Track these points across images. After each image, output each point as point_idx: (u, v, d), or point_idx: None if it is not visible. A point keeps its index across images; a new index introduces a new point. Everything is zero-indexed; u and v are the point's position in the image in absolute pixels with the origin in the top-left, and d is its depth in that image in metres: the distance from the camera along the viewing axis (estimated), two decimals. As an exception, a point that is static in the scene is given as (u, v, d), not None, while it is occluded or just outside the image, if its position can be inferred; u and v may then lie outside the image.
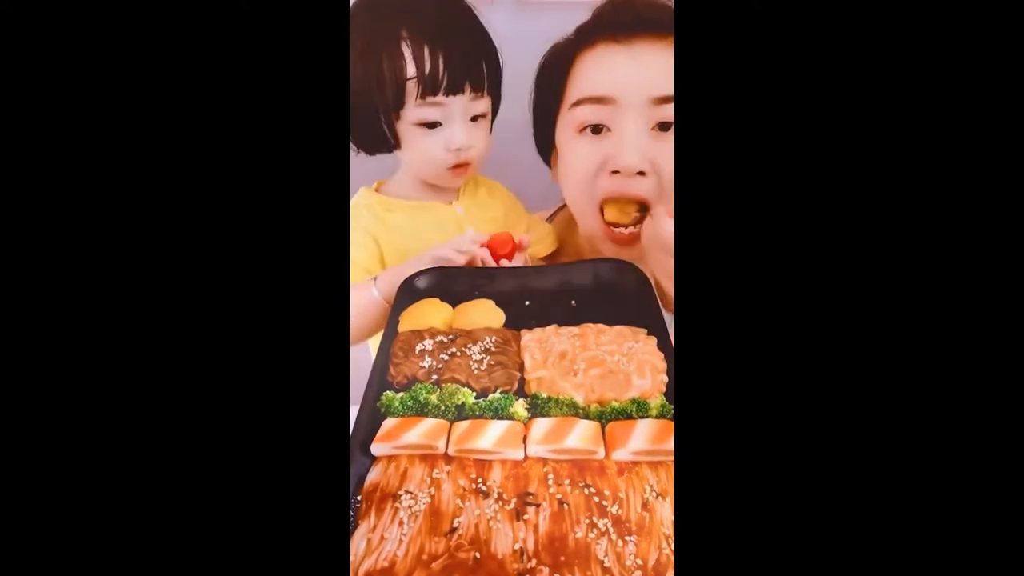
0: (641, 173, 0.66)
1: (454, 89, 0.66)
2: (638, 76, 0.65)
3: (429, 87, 0.65)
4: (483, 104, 0.70)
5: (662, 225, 0.60)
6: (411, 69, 0.65)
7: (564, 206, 0.91)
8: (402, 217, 0.77)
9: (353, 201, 0.79)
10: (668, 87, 0.64)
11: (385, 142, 0.72)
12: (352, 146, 0.73)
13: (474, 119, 0.70)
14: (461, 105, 0.68)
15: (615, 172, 0.67)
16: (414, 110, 0.67)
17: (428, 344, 0.55)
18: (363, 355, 0.81)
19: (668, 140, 0.65)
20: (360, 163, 0.73)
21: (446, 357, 0.53)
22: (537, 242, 0.85)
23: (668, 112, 0.64)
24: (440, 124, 0.69)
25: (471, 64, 0.66)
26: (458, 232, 0.78)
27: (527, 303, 0.63)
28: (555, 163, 0.80)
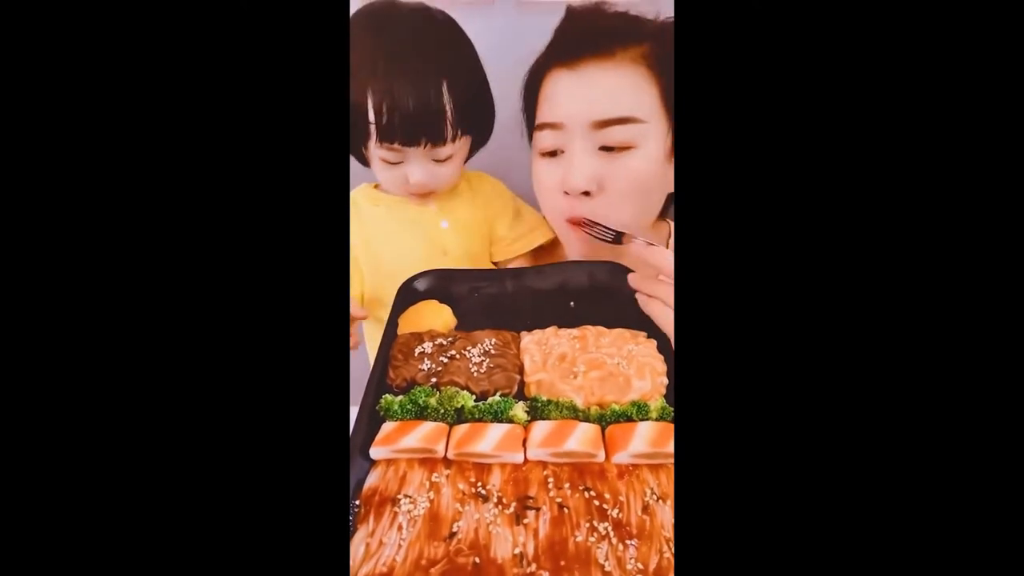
0: (586, 193, 0.68)
1: (409, 142, 0.67)
2: (582, 101, 0.67)
3: (385, 135, 0.67)
4: (450, 149, 0.70)
5: (649, 309, 0.60)
6: (371, 114, 0.66)
7: None
8: (381, 212, 0.79)
9: (352, 195, 0.82)
10: (613, 110, 0.66)
11: (362, 159, 0.75)
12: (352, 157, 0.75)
13: (439, 161, 0.72)
14: (419, 152, 0.69)
15: (566, 193, 0.70)
16: (376, 149, 0.70)
17: (427, 347, 0.55)
18: (362, 358, 0.81)
19: (613, 161, 0.68)
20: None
21: (445, 360, 0.53)
22: (528, 232, 0.85)
23: (612, 135, 0.67)
24: (401, 162, 0.71)
25: (428, 120, 0.66)
26: (435, 229, 0.80)
27: (526, 305, 0.63)
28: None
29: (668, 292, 0.56)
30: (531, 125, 0.75)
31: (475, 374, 0.51)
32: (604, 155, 0.67)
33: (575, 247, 0.76)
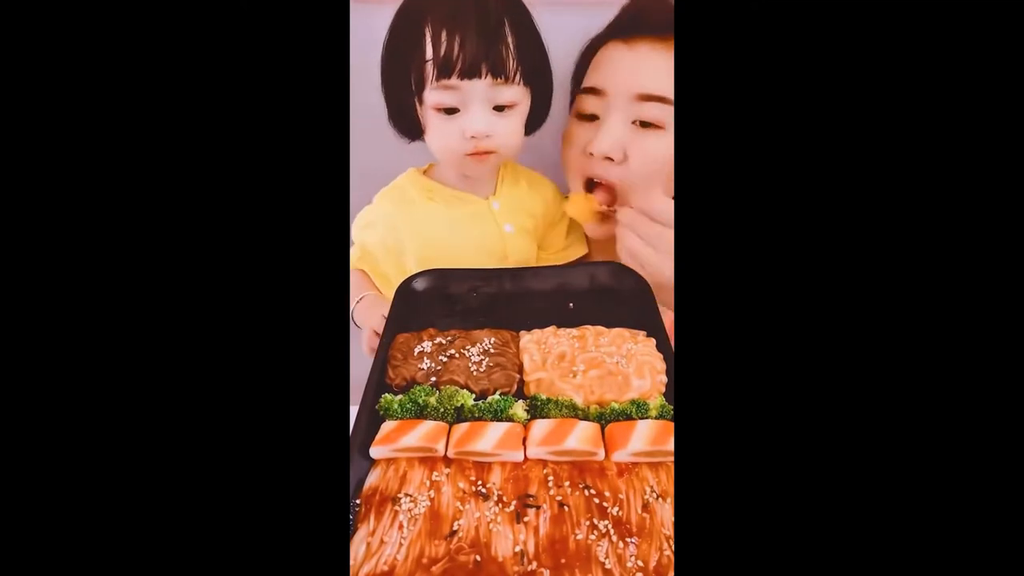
0: (609, 159, 0.71)
1: (469, 73, 0.63)
2: (630, 73, 0.70)
3: (443, 69, 0.63)
4: (510, 93, 0.66)
5: (625, 242, 0.65)
6: (428, 51, 0.63)
7: None
8: (440, 207, 0.76)
9: (398, 181, 0.80)
10: (655, 87, 0.68)
11: (415, 128, 0.71)
12: (395, 131, 0.73)
13: (499, 108, 0.68)
14: (480, 91, 0.65)
15: (589, 153, 0.73)
16: (431, 93, 0.65)
17: (427, 346, 0.55)
18: (362, 357, 0.80)
19: (645, 136, 0.71)
20: (410, 148, 0.74)
21: (444, 359, 0.53)
22: (569, 246, 0.86)
23: (649, 110, 0.69)
24: (458, 110, 0.67)
25: (490, 49, 0.63)
26: (494, 227, 0.77)
27: (525, 305, 0.63)
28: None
29: (659, 235, 0.60)
30: (575, 91, 0.78)
31: (475, 373, 0.51)
32: (636, 129, 0.71)
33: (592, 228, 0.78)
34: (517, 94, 0.68)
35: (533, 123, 0.74)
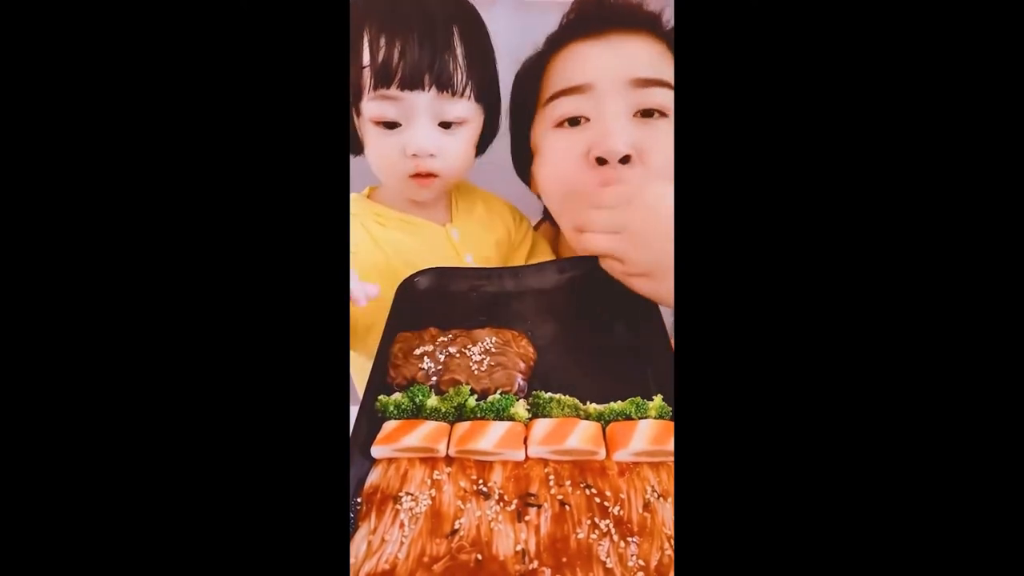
0: (626, 159, 0.61)
1: (411, 83, 0.57)
2: (614, 61, 0.61)
3: (381, 77, 0.57)
4: (459, 108, 0.60)
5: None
6: (365, 56, 0.57)
7: (543, 220, 0.86)
8: (394, 233, 0.69)
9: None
10: (648, 70, 0.60)
11: (352, 142, 0.65)
12: None
13: (446, 125, 0.61)
14: (424, 104, 0.59)
15: (600, 160, 0.61)
16: (369, 104, 0.59)
17: (428, 346, 0.55)
18: (362, 357, 0.80)
19: (652, 127, 0.62)
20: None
21: (445, 358, 0.53)
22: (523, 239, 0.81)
23: (649, 97, 0.60)
24: (400, 125, 0.60)
25: (435, 59, 0.56)
26: (456, 256, 0.71)
27: (526, 304, 0.63)
28: (533, 173, 0.73)
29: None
30: (521, 118, 0.69)
31: (476, 372, 0.51)
32: (640, 121, 0.61)
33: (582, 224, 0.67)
34: (467, 110, 0.61)
35: (484, 142, 0.67)
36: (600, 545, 0.38)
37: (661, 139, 0.61)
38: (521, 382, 0.51)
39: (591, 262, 0.65)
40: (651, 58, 0.61)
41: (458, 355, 0.53)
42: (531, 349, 0.55)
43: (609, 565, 0.37)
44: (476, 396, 0.50)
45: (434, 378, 0.52)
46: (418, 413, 0.48)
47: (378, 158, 0.64)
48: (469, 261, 0.72)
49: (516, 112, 0.71)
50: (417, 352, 0.54)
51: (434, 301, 0.64)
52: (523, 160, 0.75)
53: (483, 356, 0.53)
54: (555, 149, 0.66)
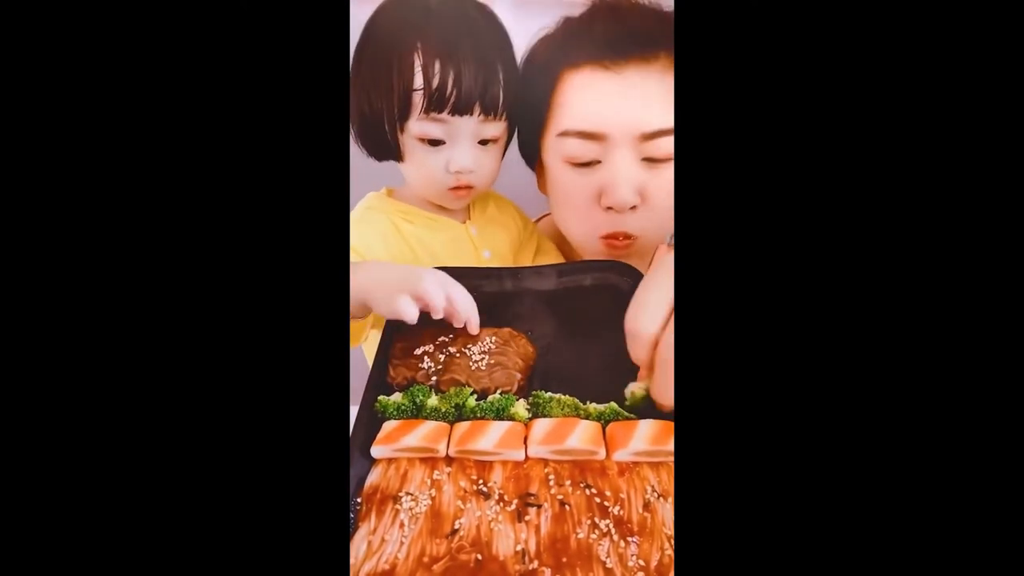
0: (633, 208, 0.66)
1: (461, 109, 0.62)
2: (629, 110, 0.64)
3: (435, 103, 0.61)
4: (495, 128, 0.65)
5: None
6: (418, 80, 0.61)
7: (547, 214, 0.90)
8: (419, 230, 0.73)
9: (365, 204, 0.76)
10: (659, 121, 0.63)
11: (391, 151, 0.69)
12: (361, 149, 0.70)
13: (483, 143, 0.66)
14: (469, 127, 0.64)
15: (609, 208, 0.67)
16: (417, 124, 0.63)
17: (428, 346, 0.55)
18: (362, 357, 0.80)
19: (657, 171, 0.65)
20: (367, 166, 0.70)
21: (445, 358, 0.53)
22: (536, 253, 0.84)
23: (657, 146, 0.64)
24: (443, 143, 0.65)
25: (486, 87, 0.62)
26: (473, 253, 0.75)
27: (526, 304, 0.63)
28: (540, 174, 0.78)
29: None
30: (532, 115, 0.70)
31: (475, 372, 0.51)
32: (647, 166, 0.65)
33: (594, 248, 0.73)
34: (500, 129, 0.67)
35: (506, 148, 0.72)
36: (600, 545, 0.38)
37: (663, 183, 0.66)
38: (521, 382, 0.51)
39: (592, 266, 0.65)
40: (664, 101, 0.63)
41: (458, 355, 0.53)
42: (531, 349, 0.55)
43: (609, 565, 0.37)
44: (476, 396, 0.50)
45: (434, 378, 0.52)
46: (418, 413, 0.48)
47: (419, 170, 0.68)
48: (487, 257, 0.75)
49: (527, 113, 0.73)
50: (417, 352, 0.54)
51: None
52: (529, 154, 0.78)
53: (483, 356, 0.53)
54: (570, 186, 0.69)
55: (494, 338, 0.55)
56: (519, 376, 0.52)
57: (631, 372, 0.52)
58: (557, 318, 0.60)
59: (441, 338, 0.55)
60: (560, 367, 0.54)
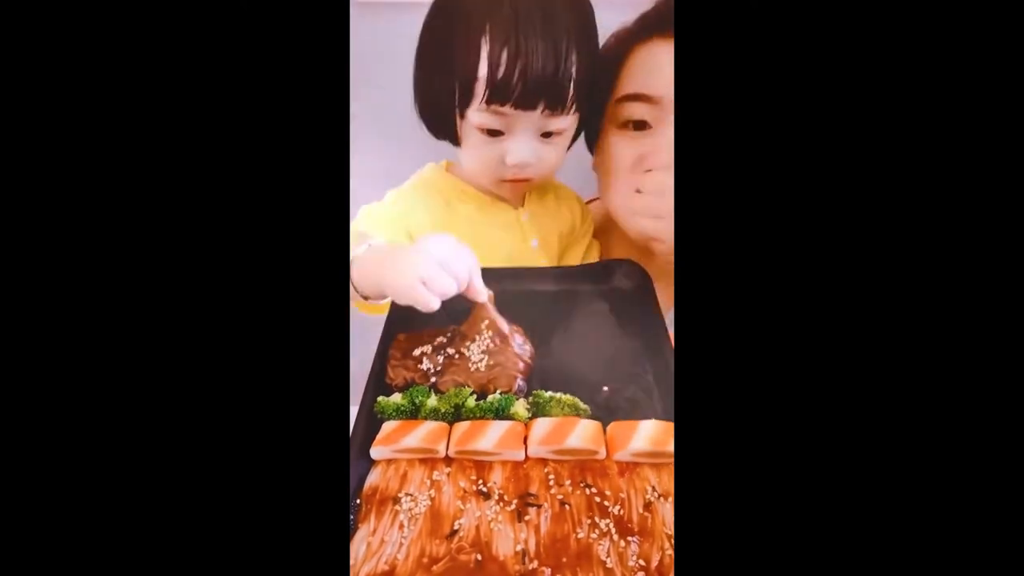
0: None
1: (525, 104, 0.57)
2: None
3: (497, 95, 0.56)
4: (563, 121, 0.60)
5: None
6: (483, 68, 0.55)
7: (595, 199, 0.88)
8: (472, 210, 0.70)
9: (422, 175, 0.73)
10: None
11: (449, 133, 0.65)
12: (420, 123, 0.66)
13: (546, 135, 0.62)
14: (532, 120, 0.59)
15: (649, 170, 0.66)
16: (477, 113, 0.59)
17: (427, 347, 0.55)
18: (362, 357, 0.80)
19: None
20: (425, 141, 0.68)
21: (444, 358, 0.53)
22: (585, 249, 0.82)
23: None
24: (503, 133, 0.60)
25: (555, 82, 0.56)
26: (521, 240, 0.72)
27: (527, 305, 0.63)
28: (597, 152, 0.77)
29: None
30: (600, 97, 0.69)
31: (475, 372, 0.51)
32: None
33: (633, 228, 0.71)
34: (568, 122, 0.62)
35: (575, 138, 0.68)
36: (600, 545, 0.38)
37: None
38: (520, 382, 0.51)
39: (593, 269, 0.65)
40: None
41: (457, 355, 0.53)
42: (531, 348, 0.55)
43: (609, 565, 0.37)
44: (475, 396, 0.50)
45: (433, 378, 0.52)
46: (417, 414, 0.48)
47: (476, 159, 0.65)
48: (534, 246, 0.72)
49: (596, 88, 0.71)
50: (416, 352, 0.54)
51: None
52: (592, 136, 0.77)
53: (482, 356, 0.53)
54: (617, 153, 0.68)
55: (494, 338, 0.55)
56: (518, 376, 0.51)
57: (631, 372, 0.52)
58: (557, 317, 0.60)
59: (440, 339, 0.55)
60: (560, 367, 0.54)
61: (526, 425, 0.47)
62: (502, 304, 0.62)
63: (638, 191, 0.67)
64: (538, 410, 0.48)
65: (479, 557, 0.37)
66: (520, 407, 0.48)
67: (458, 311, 0.62)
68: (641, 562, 0.37)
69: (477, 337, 0.55)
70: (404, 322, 0.59)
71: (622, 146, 0.68)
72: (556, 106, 0.58)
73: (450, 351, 0.54)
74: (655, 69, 0.64)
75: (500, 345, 0.54)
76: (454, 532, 0.39)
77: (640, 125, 0.66)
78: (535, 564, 0.37)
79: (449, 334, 0.56)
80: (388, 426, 0.47)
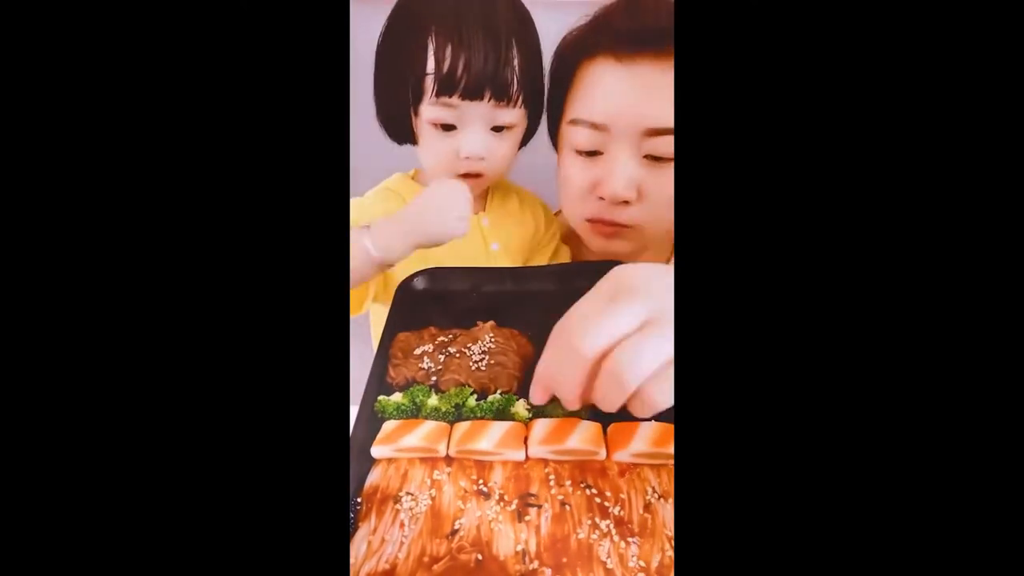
0: (625, 202, 0.66)
1: (471, 94, 0.61)
2: (635, 104, 0.63)
3: (444, 87, 0.61)
4: (511, 115, 0.65)
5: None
6: (430, 64, 0.61)
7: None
8: None
9: (385, 184, 0.77)
10: (664, 119, 0.62)
11: (408, 135, 0.69)
12: (383, 131, 0.70)
13: (497, 129, 0.66)
14: (480, 112, 0.63)
15: (601, 198, 0.67)
16: (428, 108, 0.63)
17: (428, 346, 0.55)
18: (363, 355, 0.80)
19: (658, 169, 0.65)
20: (396, 150, 0.72)
21: (445, 358, 0.53)
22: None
23: (660, 144, 0.63)
24: (455, 128, 0.65)
25: (497, 71, 0.61)
26: (481, 244, 0.74)
27: (526, 305, 0.63)
28: (557, 167, 0.79)
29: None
30: (554, 111, 0.71)
31: (476, 372, 0.51)
32: (647, 163, 0.65)
33: (594, 244, 0.74)
34: (516, 116, 0.66)
35: (524, 140, 0.72)
36: (600, 545, 0.38)
37: (663, 183, 0.66)
38: (521, 382, 0.51)
39: (593, 267, 0.65)
40: (670, 101, 0.62)
41: (458, 355, 0.53)
42: (531, 348, 0.55)
43: (610, 566, 0.37)
44: (476, 396, 0.50)
45: (434, 378, 0.52)
46: (418, 413, 0.48)
47: (431, 155, 0.68)
48: (495, 249, 0.75)
49: (551, 99, 0.74)
50: (417, 352, 0.54)
51: (433, 301, 0.64)
52: (555, 145, 0.78)
53: (483, 356, 0.53)
54: (570, 175, 0.70)
55: (494, 338, 0.55)
56: (519, 376, 0.52)
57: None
58: (557, 317, 0.59)
59: (441, 338, 0.55)
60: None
61: (526, 425, 0.47)
62: (503, 303, 0.62)
63: (589, 220, 0.70)
64: (538, 411, 0.48)
65: (479, 557, 0.37)
66: (520, 407, 0.48)
67: (459, 311, 0.62)
68: (641, 563, 0.37)
69: (478, 337, 0.55)
70: (405, 321, 0.59)
71: (576, 169, 0.69)
72: (502, 97, 0.62)
73: (451, 350, 0.54)
74: (600, 94, 0.65)
75: (501, 345, 0.54)
76: (455, 532, 0.39)
77: (591, 153, 0.67)
78: (535, 564, 0.37)
79: (450, 334, 0.56)
80: (388, 425, 0.47)
